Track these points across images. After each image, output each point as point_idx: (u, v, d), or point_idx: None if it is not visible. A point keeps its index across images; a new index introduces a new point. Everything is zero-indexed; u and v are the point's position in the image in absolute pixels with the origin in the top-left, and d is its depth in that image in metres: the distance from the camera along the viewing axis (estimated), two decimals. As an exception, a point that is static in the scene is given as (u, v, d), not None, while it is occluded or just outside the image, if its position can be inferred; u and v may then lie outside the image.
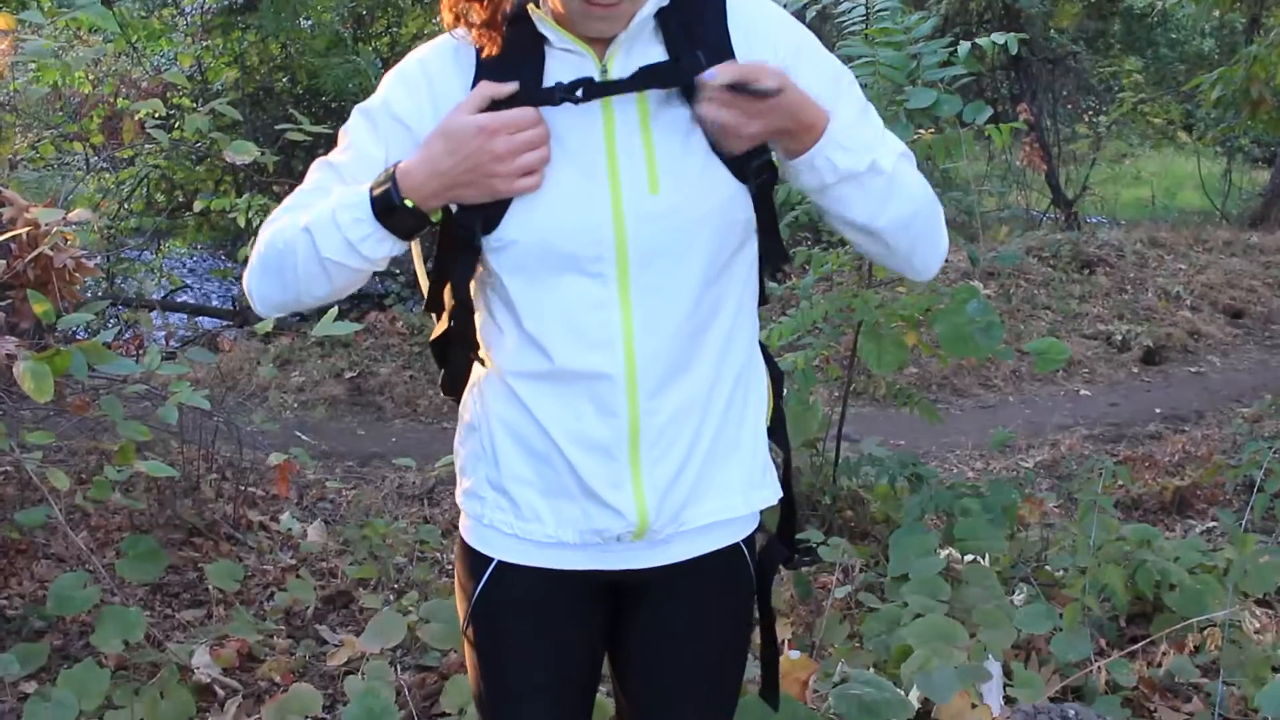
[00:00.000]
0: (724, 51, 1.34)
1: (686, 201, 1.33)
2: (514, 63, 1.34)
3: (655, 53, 1.35)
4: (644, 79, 1.32)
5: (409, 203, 1.30)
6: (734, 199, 1.36)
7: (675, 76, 1.32)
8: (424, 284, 1.53)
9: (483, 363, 1.47)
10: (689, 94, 1.31)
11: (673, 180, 1.33)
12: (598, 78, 1.33)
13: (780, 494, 1.54)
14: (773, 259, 1.49)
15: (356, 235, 1.31)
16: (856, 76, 3.47)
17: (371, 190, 1.31)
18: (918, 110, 3.28)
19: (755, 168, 1.36)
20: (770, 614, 1.65)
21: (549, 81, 1.33)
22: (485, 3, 1.32)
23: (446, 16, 1.35)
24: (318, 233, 1.32)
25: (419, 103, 1.37)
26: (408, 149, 1.34)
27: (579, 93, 1.31)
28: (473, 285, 1.43)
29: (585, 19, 1.30)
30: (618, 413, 1.37)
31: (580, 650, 1.55)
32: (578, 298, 1.34)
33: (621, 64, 1.33)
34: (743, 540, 1.52)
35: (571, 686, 1.56)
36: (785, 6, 3.18)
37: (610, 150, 1.33)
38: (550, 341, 1.36)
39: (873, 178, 1.35)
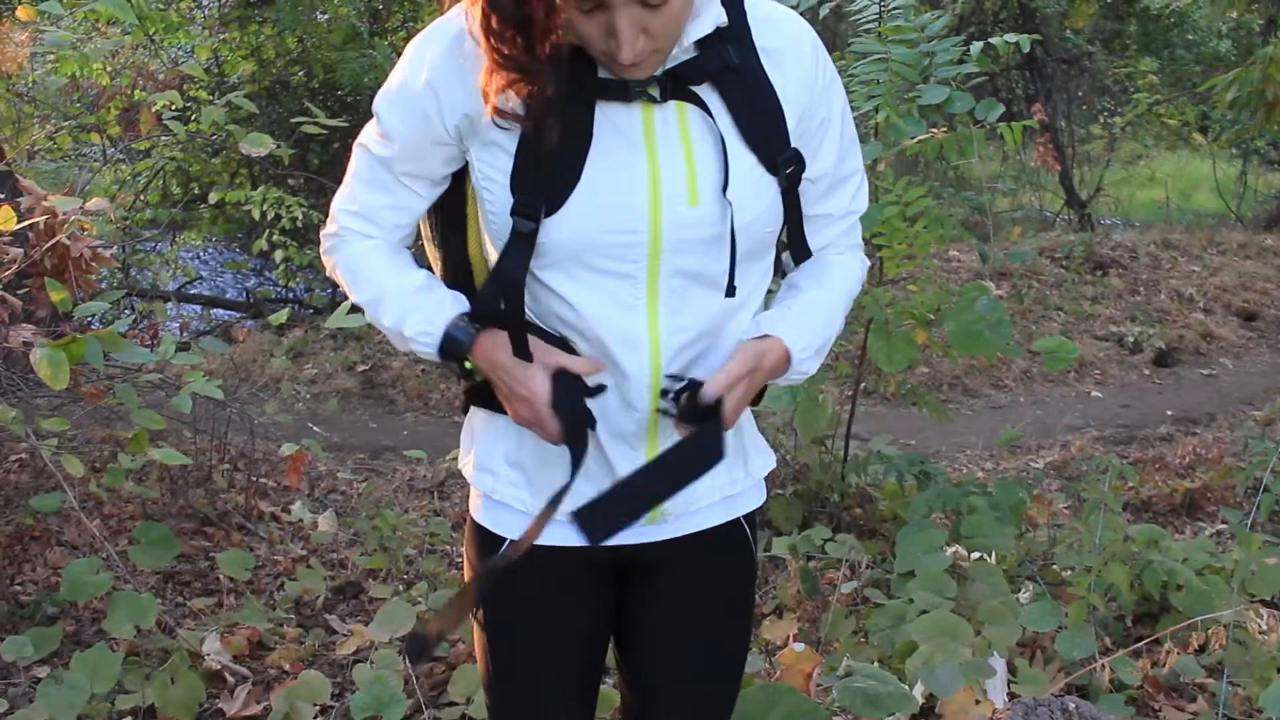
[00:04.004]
0: (745, 42, 1.35)
1: (723, 215, 1.34)
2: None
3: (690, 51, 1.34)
4: (674, 80, 1.32)
5: (469, 364, 1.41)
6: (766, 212, 1.38)
7: (702, 72, 1.33)
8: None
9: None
10: (720, 85, 1.33)
11: (711, 192, 1.34)
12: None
13: (773, 458, 1.59)
14: (799, 259, 1.51)
15: (415, 344, 1.42)
16: (869, 74, 3.47)
17: (447, 330, 1.39)
18: (930, 107, 3.29)
19: (784, 160, 1.38)
20: None
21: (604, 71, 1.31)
22: (526, 85, 1.23)
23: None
24: (381, 311, 1.43)
25: (450, 83, 1.34)
26: (435, 117, 1.35)
27: (655, 92, 1.31)
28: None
29: (616, 71, 1.29)
30: (638, 407, 1.40)
31: (589, 630, 1.57)
32: (607, 298, 1.36)
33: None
34: (744, 516, 1.56)
35: (579, 666, 1.58)
36: (797, 6, 3.19)
37: (651, 156, 1.33)
38: (578, 335, 1.39)
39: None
